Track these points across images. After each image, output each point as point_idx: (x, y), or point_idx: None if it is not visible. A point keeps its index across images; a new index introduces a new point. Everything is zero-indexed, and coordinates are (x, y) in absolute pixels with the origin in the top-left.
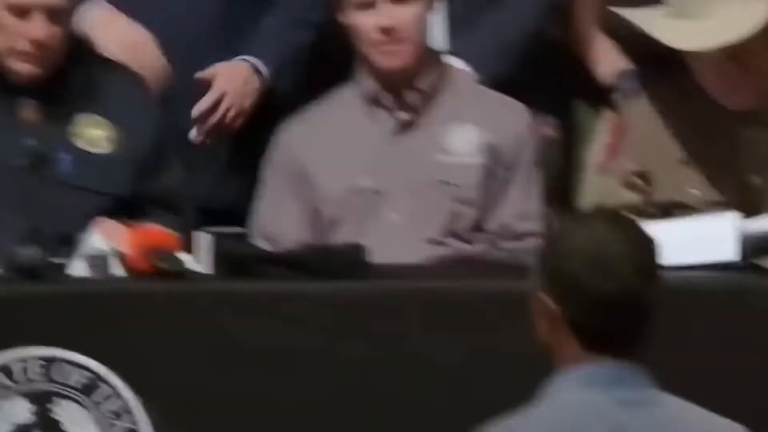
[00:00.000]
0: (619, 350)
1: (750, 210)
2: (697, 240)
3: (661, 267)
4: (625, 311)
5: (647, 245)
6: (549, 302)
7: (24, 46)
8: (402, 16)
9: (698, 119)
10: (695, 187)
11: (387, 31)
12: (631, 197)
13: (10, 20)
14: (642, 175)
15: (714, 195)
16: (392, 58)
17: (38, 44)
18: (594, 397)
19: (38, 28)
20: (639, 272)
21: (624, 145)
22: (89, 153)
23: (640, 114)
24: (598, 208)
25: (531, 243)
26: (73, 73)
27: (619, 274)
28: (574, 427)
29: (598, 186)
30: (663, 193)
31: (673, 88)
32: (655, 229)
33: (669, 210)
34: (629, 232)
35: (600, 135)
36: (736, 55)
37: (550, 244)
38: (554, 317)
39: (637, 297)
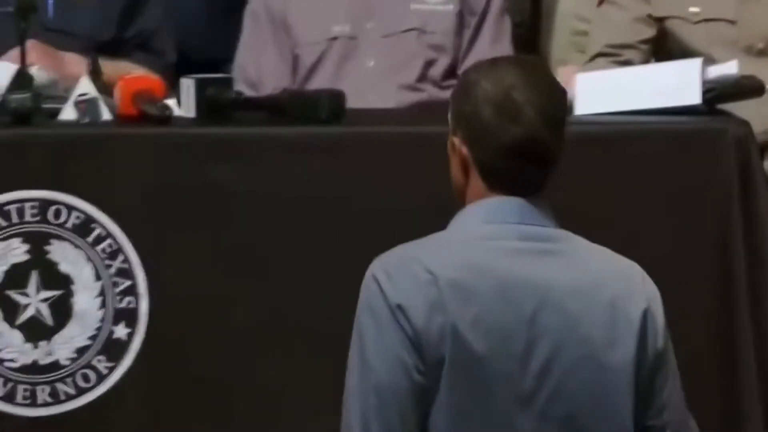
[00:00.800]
0: (523, 193)
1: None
2: (663, 85)
3: (567, 115)
4: (530, 157)
5: (556, 94)
6: (461, 145)
7: None
8: None
9: None
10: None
11: None
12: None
13: None
14: None
15: (712, 11)
16: None
17: None
18: (494, 230)
19: None
20: (545, 120)
21: None
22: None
23: None
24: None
25: None
26: None
27: (526, 122)
28: (474, 257)
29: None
30: (663, 9)
31: None
32: (625, 74)
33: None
34: (540, 80)
35: None
36: None
37: (463, 90)
38: (465, 159)
39: (542, 144)
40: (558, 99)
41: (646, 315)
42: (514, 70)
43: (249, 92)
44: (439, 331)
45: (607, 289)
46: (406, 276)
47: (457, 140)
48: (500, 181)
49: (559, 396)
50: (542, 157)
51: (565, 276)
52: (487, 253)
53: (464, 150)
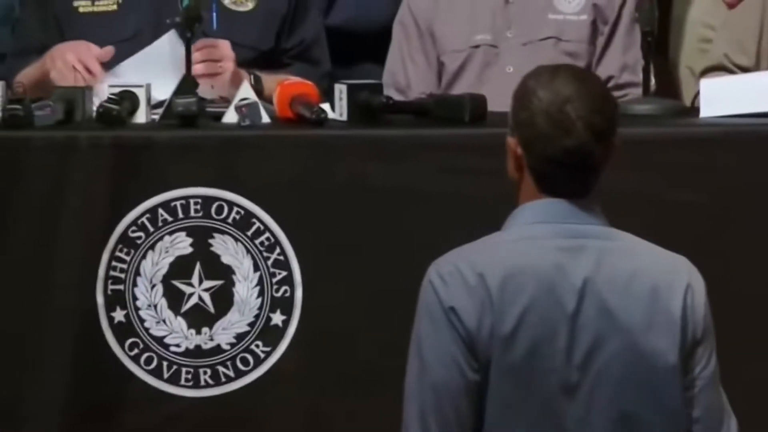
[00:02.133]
0: (570, 196)
1: None
2: (747, 92)
3: (615, 125)
4: (577, 166)
5: (608, 108)
6: (516, 146)
7: None
8: None
9: None
10: None
11: None
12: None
13: None
14: None
15: None
16: None
17: None
18: (544, 231)
19: None
20: (594, 134)
21: None
22: (234, 11)
23: None
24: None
25: (632, 92)
26: None
27: (576, 136)
28: (523, 262)
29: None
30: None
31: None
32: (746, 79)
33: None
34: (594, 95)
35: None
36: None
37: (522, 96)
38: (519, 159)
39: (589, 155)
40: (609, 114)
41: (686, 306)
42: (570, 84)
43: (397, 96)
44: (489, 330)
45: (647, 281)
46: (458, 280)
47: (513, 141)
48: (550, 185)
49: (602, 385)
50: (589, 166)
51: (605, 270)
52: (533, 252)
53: (519, 151)
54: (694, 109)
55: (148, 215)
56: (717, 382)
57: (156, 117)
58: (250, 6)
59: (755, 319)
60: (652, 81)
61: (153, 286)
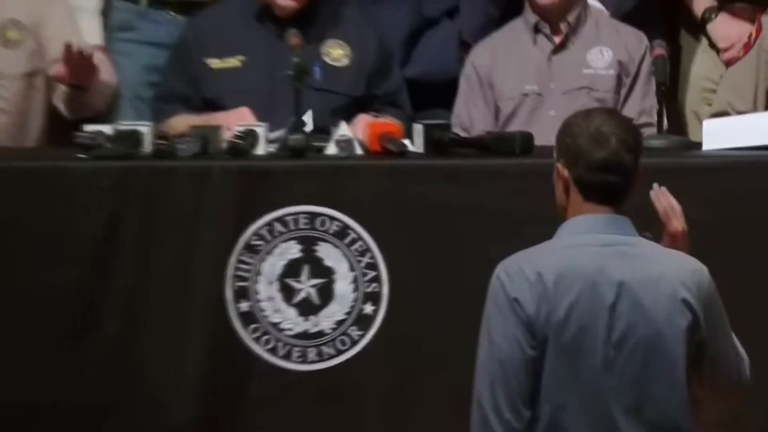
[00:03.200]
0: (610, 201)
1: None
2: (759, 125)
3: (640, 144)
4: (614, 171)
5: (632, 130)
6: (562, 168)
7: None
8: None
9: None
10: None
11: None
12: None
13: None
14: None
15: None
16: None
17: None
18: (588, 239)
19: None
20: (624, 146)
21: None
22: (334, 66)
23: None
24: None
25: (648, 131)
26: (319, 8)
27: (610, 147)
28: (568, 265)
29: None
30: None
31: None
32: (741, 120)
33: None
34: (619, 121)
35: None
36: None
37: (565, 131)
38: (566, 179)
39: (621, 162)
40: (633, 133)
41: (697, 301)
42: (601, 115)
43: (462, 134)
44: (545, 317)
45: (669, 282)
46: (521, 276)
47: (560, 165)
48: (592, 191)
49: (632, 361)
50: (622, 172)
51: (637, 273)
52: (580, 256)
53: (566, 172)
54: (698, 144)
55: (266, 227)
56: (730, 339)
57: (272, 149)
58: (345, 62)
59: (749, 313)
60: (665, 122)
61: (270, 283)
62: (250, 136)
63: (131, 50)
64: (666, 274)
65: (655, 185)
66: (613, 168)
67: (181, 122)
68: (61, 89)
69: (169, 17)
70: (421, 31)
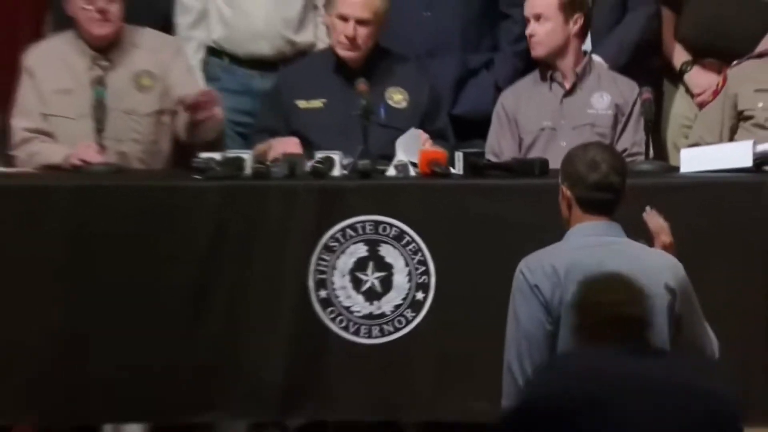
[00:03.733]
0: (604, 213)
1: None
2: (725, 152)
3: (626, 168)
4: (605, 190)
5: (619, 159)
6: (566, 190)
7: (344, 40)
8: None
9: None
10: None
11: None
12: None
13: (338, 24)
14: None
15: None
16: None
17: (351, 39)
18: (589, 240)
19: (351, 29)
20: (613, 171)
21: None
22: (395, 108)
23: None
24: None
25: (638, 158)
26: (383, 61)
27: (602, 171)
28: (575, 260)
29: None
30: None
31: None
32: (711, 148)
33: None
34: (610, 151)
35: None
36: None
37: (567, 159)
38: (569, 198)
39: (611, 183)
40: (620, 160)
41: (675, 287)
42: (595, 148)
43: (494, 159)
44: (558, 300)
45: (654, 271)
46: (539, 269)
47: (564, 188)
48: (589, 207)
49: None
50: (612, 190)
51: (628, 265)
52: (583, 253)
53: (568, 193)
54: (677, 168)
55: (340, 232)
56: (702, 324)
57: (345, 172)
58: (404, 105)
59: (716, 305)
60: (651, 151)
61: (343, 276)
62: (328, 161)
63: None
64: (652, 265)
65: (648, 208)
66: (605, 188)
67: (257, 150)
68: (183, 120)
69: (244, 71)
70: (466, 79)
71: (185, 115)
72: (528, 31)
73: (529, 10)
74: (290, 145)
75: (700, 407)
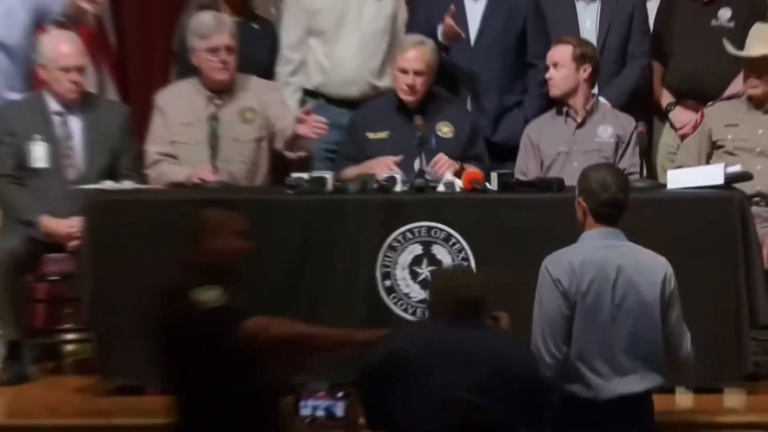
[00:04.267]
0: (611, 223)
1: None
2: (702, 173)
3: (629, 186)
4: (613, 206)
5: (624, 178)
6: (582, 201)
7: (405, 87)
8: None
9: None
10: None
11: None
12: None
13: (400, 75)
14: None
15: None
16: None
17: (411, 87)
18: (598, 243)
19: (411, 79)
20: (619, 190)
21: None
22: (443, 138)
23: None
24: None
25: (634, 177)
26: (435, 102)
27: (611, 190)
28: (588, 258)
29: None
30: (715, 136)
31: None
32: (692, 170)
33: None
34: (617, 173)
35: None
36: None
37: (583, 177)
38: (584, 208)
39: (618, 200)
40: (625, 180)
41: (665, 281)
42: (605, 168)
43: (522, 178)
44: (575, 290)
45: (649, 268)
46: (559, 265)
47: (580, 199)
48: (600, 217)
49: (627, 315)
50: (618, 206)
51: (629, 262)
52: (594, 253)
53: (584, 204)
54: (665, 185)
55: (401, 235)
56: (681, 320)
57: (405, 188)
58: (450, 135)
59: (694, 298)
60: (645, 171)
61: (403, 269)
62: (391, 180)
63: None
64: (648, 263)
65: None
66: (613, 204)
67: (349, 172)
68: (284, 137)
69: (336, 109)
70: (502, 115)
71: (290, 132)
72: (547, 75)
73: (549, 58)
74: (381, 165)
75: (503, 369)
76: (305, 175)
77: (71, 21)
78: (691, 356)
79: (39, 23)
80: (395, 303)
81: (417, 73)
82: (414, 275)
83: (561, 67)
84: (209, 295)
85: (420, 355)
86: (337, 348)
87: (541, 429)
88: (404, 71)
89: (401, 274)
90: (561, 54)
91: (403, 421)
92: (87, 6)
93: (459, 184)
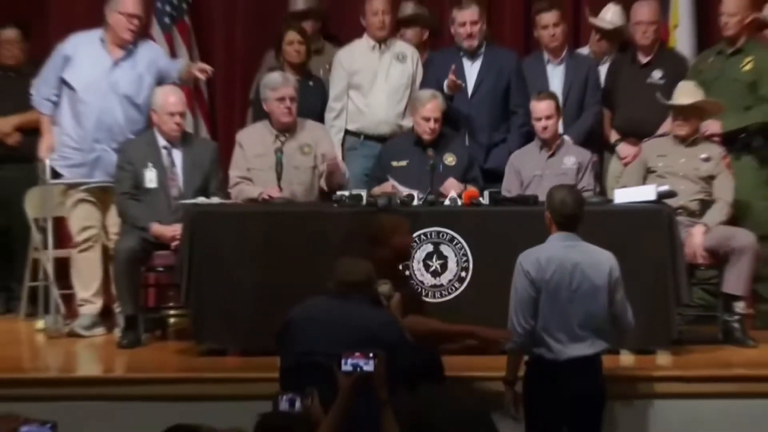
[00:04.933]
0: (570, 229)
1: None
2: (640, 192)
3: (584, 202)
4: (571, 218)
5: (580, 196)
6: (548, 214)
7: (427, 130)
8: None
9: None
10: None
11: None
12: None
13: (422, 122)
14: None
15: (669, 167)
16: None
17: (432, 130)
18: (560, 243)
19: (432, 123)
20: (576, 206)
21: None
22: (448, 165)
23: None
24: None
25: (589, 194)
26: (443, 139)
27: (569, 206)
28: (552, 255)
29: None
30: (650, 163)
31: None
32: (634, 190)
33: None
34: (575, 191)
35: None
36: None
37: (549, 195)
38: (549, 219)
39: (575, 214)
40: (581, 197)
41: (611, 272)
42: (566, 189)
43: (507, 195)
44: (541, 278)
45: (600, 261)
46: (529, 260)
47: (547, 213)
48: (561, 226)
49: (581, 298)
50: (576, 217)
51: (583, 257)
52: (556, 251)
53: (549, 216)
54: (612, 200)
55: (417, 237)
56: (624, 299)
57: (420, 203)
58: (453, 164)
59: (633, 283)
60: (597, 190)
61: (419, 262)
62: (410, 196)
63: (354, 159)
64: (597, 258)
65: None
66: (570, 216)
67: (376, 190)
68: (324, 174)
69: (371, 143)
70: (492, 148)
71: (325, 171)
72: (542, 125)
73: (541, 112)
74: (389, 187)
75: (361, 333)
76: (346, 193)
77: (181, 83)
78: (632, 326)
79: (159, 84)
80: (413, 287)
81: (435, 120)
82: (426, 267)
83: (551, 117)
84: (384, 289)
85: (302, 320)
86: (465, 338)
87: (407, 383)
88: (427, 119)
89: (417, 266)
90: (550, 108)
91: (287, 372)
92: (199, 75)
93: (460, 199)
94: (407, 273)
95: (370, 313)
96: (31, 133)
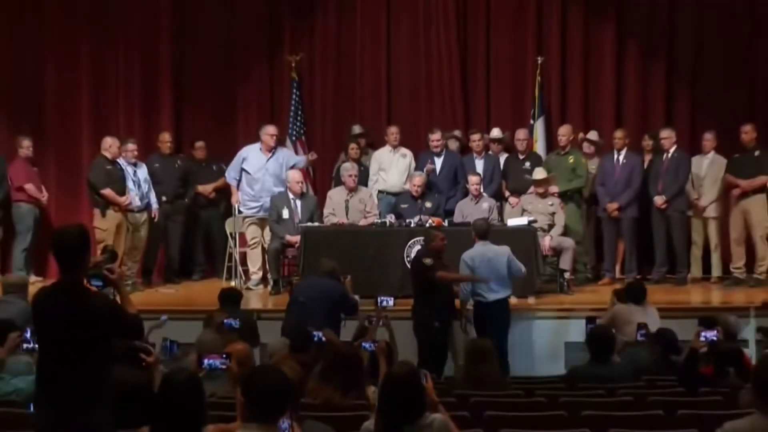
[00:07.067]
0: (484, 239)
1: None
2: (520, 220)
3: (489, 226)
4: (485, 233)
5: (488, 223)
6: (473, 232)
7: (417, 190)
8: None
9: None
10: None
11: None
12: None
13: (413, 187)
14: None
15: None
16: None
17: (418, 191)
18: (480, 247)
19: (417, 188)
20: (487, 226)
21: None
22: (427, 207)
23: None
24: (482, 218)
25: (495, 221)
26: (427, 193)
27: (483, 228)
28: (477, 252)
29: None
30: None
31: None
32: (513, 219)
33: None
34: (485, 221)
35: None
36: None
37: (473, 223)
38: (473, 234)
39: (486, 230)
40: (488, 224)
41: (508, 256)
42: (482, 219)
43: (458, 221)
44: (472, 264)
45: (501, 251)
46: (467, 256)
47: (473, 231)
48: (479, 237)
49: (493, 270)
50: (486, 233)
51: (493, 251)
52: (478, 250)
53: (473, 233)
54: (506, 224)
55: (412, 242)
56: (519, 268)
57: (414, 225)
58: (430, 206)
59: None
60: (499, 218)
61: (415, 251)
62: (409, 222)
63: (381, 204)
64: (501, 251)
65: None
66: (485, 232)
67: (389, 218)
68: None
69: (391, 197)
70: (449, 199)
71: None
72: (474, 188)
73: (474, 182)
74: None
75: (328, 291)
76: (378, 220)
77: (301, 167)
78: (524, 275)
79: (290, 168)
80: (410, 268)
81: (419, 186)
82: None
83: (479, 184)
84: (427, 261)
85: (302, 284)
86: (467, 280)
87: (345, 315)
88: (416, 185)
89: (414, 256)
90: (478, 180)
91: (290, 306)
92: (312, 158)
93: (433, 223)
94: (441, 257)
95: (334, 284)
96: (221, 191)
